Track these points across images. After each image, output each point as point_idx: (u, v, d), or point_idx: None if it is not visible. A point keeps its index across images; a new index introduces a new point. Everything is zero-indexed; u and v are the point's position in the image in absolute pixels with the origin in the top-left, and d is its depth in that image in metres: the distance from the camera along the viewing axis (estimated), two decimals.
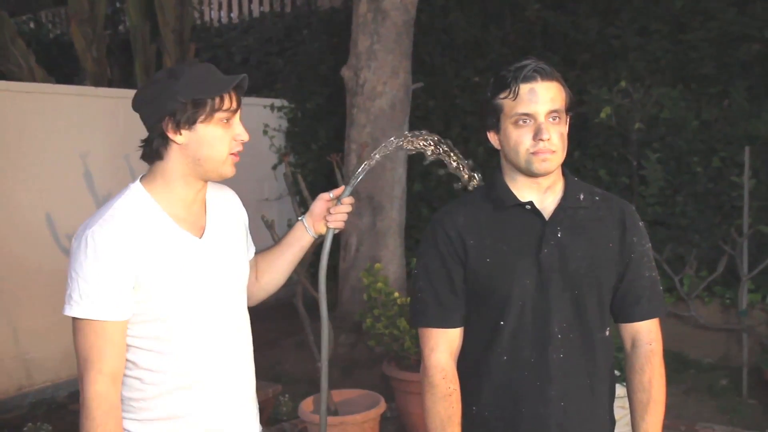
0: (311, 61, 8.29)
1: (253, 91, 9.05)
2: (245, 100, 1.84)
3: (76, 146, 5.64)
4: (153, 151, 1.90)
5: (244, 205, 2.18)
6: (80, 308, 1.76)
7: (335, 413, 4.17)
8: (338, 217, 2.12)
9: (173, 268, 1.86)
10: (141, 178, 1.95)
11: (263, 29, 9.46)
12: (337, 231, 2.15)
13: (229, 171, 1.94)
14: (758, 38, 5.99)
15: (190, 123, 1.85)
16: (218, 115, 1.87)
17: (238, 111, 1.93)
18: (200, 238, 1.94)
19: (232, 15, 10.39)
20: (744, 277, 5.22)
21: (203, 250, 1.93)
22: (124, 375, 1.85)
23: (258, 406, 2.13)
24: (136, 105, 1.89)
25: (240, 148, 1.94)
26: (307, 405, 4.25)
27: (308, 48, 8.49)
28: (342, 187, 2.14)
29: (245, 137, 1.93)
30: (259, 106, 7.88)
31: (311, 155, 7.97)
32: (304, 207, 4.74)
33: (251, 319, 2.09)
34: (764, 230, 5.40)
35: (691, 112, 5.97)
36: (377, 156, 2.04)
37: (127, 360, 1.85)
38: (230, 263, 2.00)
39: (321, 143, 7.92)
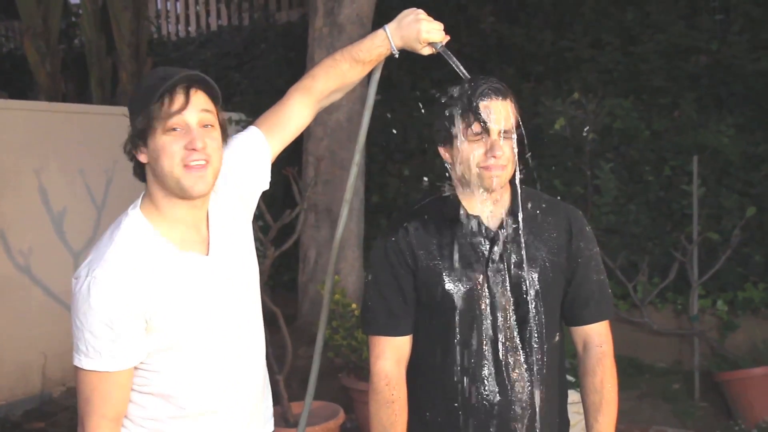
0: (269, 74, 8.29)
1: None
2: None
3: (29, 162, 5.56)
4: (135, 173, 1.76)
5: None
6: (90, 362, 1.65)
7: (294, 425, 4.17)
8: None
9: (183, 296, 1.71)
10: (141, 202, 1.76)
11: (221, 43, 9.45)
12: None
13: (188, 184, 1.67)
14: (706, 50, 6.16)
15: (142, 137, 1.67)
16: (157, 123, 1.64)
17: (185, 111, 1.67)
18: (207, 255, 1.78)
19: (189, 29, 10.36)
20: (695, 283, 5.35)
21: (212, 266, 1.78)
22: (139, 395, 1.75)
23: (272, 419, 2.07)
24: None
25: (192, 156, 1.66)
26: None
27: (266, 62, 8.50)
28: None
29: (197, 145, 1.66)
30: None
31: None
32: (261, 220, 4.74)
33: None
34: (713, 237, 5.53)
35: (643, 122, 6.10)
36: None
37: (142, 385, 1.74)
38: (241, 273, 1.87)
39: (278, 156, 7.90)
